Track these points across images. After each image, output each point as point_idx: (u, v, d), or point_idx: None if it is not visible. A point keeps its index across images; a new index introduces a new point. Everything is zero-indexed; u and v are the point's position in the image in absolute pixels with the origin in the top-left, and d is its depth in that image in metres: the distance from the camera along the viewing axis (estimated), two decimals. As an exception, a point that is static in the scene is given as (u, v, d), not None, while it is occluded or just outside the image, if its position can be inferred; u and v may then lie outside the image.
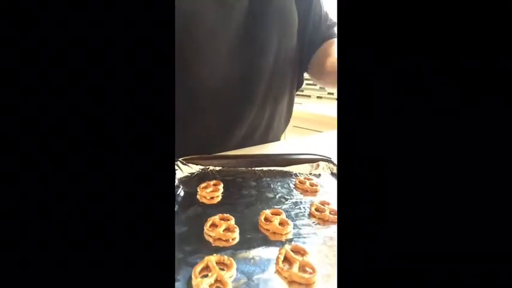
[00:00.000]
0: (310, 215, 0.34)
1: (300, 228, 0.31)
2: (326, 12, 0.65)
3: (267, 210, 0.33)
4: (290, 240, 0.29)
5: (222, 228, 0.29)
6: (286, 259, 0.26)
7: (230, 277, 0.23)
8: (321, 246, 0.28)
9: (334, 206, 0.35)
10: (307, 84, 1.91)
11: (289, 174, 0.46)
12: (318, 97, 2.01)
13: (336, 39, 0.63)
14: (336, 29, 0.64)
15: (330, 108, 1.63)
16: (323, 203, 0.36)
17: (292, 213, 0.34)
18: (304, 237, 0.29)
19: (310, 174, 0.46)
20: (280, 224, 0.31)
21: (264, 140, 0.64)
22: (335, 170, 0.46)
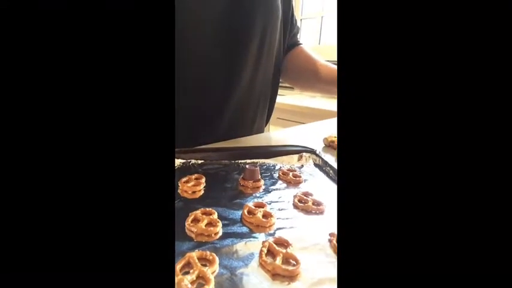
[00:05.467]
0: (294, 206, 0.34)
1: (283, 220, 0.31)
2: (296, 20, 0.71)
3: (251, 203, 0.33)
4: (273, 233, 0.29)
5: (204, 223, 0.28)
6: (270, 252, 0.25)
7: (213, 273, 0.22)
8: (305, 237, 0.28)
9: (317, 197, 0.35)
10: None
11: (272, 166, 0.45)
12: (301, 89, 2.02)
13: (302, 47, 0.70)
14: (298, 36, 0.73)
15: (312, 100, 1.64)
16: (306, 194, 0.36)
17: (276, 205, 0.34)
18: (288, 229, 0.29)
19: (294, 165, 0.46)
20: (264, 216, 0.30)
21: (248, 132, 0.63)
22: (318, 161, 0.47)
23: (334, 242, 0.27)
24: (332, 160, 0.44)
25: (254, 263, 0.24)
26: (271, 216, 0.30)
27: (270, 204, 0.34)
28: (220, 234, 0.28)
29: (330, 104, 1.48)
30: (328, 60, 0.66)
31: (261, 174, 0.40)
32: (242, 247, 0.26)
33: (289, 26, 0.66)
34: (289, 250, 0.25)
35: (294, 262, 0.24)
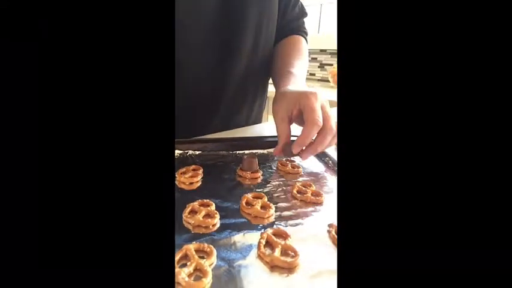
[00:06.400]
0: (293, 197, 0.33)
1: (282, 211, 0.30)
2: (301, 4, 0.62)
3: (249, 194, 0.33)
4: (272, 224, 0.28)
5: (201, 215, 0.28)
6: (268, 243, 0.25)
7: (210, 265, 0.22)
8: (303, 229, 0.28)
9: (316, 187, 0.35)
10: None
11: (271, 157, 0.45)
12: (299, 78, 2.00)
13: (299, 37, 0.60)
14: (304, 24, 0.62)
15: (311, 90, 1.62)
16: (305, 185, 0.35)
17: (274, 196, 0.34)
18: (287, 220, 0.29)
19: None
20: (262, 207, 0.30)
21: (245, 122, 0.62)
22: (317, 151, 0.46)
23: (333, 233, 0.26)
24: (331, 150, 0.44)
25: (252, 254, 0.24)
26: (269, 207, 0.30)
27: (268, 195, 0.33)
28: (218, 225, 0.27)
29: (330, 93, 1.47)
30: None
31: (259, 165, 0.40)
32: (240, 239, 0.26)
33: (285, 7, 0.59)
34: (287, 241, 0.25)
35: (292, 254, 0.24)
